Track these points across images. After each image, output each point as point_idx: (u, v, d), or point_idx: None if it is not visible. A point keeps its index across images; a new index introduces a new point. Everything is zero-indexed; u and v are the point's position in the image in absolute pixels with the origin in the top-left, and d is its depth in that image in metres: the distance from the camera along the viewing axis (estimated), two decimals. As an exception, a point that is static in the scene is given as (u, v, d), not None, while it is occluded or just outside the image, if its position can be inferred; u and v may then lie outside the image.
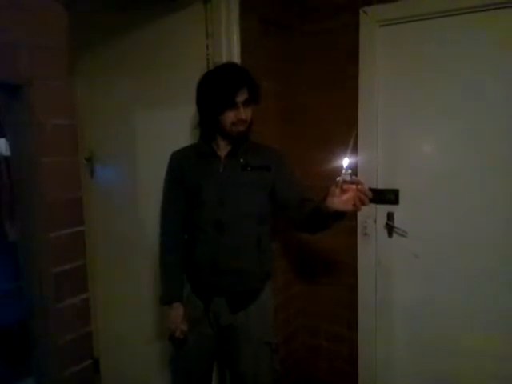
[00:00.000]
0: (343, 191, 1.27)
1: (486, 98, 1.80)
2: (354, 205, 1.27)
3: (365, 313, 2.12)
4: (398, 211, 2.02)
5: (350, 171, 1.24)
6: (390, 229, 2.05)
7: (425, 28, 1.88)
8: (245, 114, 1.44)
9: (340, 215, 1.34)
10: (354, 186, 1.26)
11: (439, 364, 1.99)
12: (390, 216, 2.03)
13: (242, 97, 1.43)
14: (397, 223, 2.02)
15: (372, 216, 2.05)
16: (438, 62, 1.88)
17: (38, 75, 1.03)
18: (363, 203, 1.27)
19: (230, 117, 1.44)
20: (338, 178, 1.26)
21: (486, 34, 1.77)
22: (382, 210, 2.04)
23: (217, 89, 1.44)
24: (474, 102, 1.82)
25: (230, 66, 1.53)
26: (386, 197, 2.00)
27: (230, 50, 1.81)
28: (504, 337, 1.85)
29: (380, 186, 2.01)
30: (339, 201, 1.28)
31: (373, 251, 2.08)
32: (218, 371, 1.83)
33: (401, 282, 2.06)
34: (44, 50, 1.07)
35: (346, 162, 1.24)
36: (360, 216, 2.04)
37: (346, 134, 1.98)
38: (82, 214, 1.22)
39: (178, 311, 1.57)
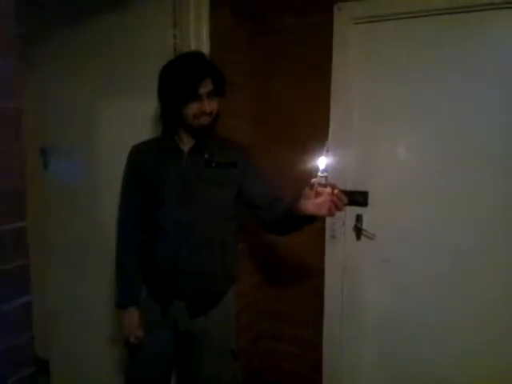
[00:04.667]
0: (317, 194, 1.21)
1: (460, 99, 1.79)
2: (329, 209, 1.21)
3: (330, 317, 2.07)
4: (367, 213, 1.98)
5: (325, 174, 1.18)
6: (359, 231, 2.01)
7: (400, 27, 1.85)
8: (209, 106, 1.36)
9: (311, 218, 1.29)
10: (328, 190, 1.19)
11: (406, 371, 1.97)
12: (359, 218, 1.99)
13: (205, 88, 1.34)
14: (365, 226, 1.99)
15: (341, 218, 2.00)
16: (413, 63, 1.85)
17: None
18: (338, 209, 1.21)
19: (192, 109, 1.35)
20: (313, 180, 1.20)
21: (460, 36, 1.76)
22: (351, 211, 1.99)
23: (179, 79, 1.35)
24: (448, 103, 1.81)
25: (194, 54, 1.45)
26: (356, 198, 1.96)
27: (199, 41, 1.73)
28: (476, 343, 1.83)
29: (350, 187, 1.96)
30: (313, 204, 1.22)
31: (340, 254, 2.04)
32: (176, 379, 1.74)
33: (368, 286, 2.02)
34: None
35: (322, 163, 1.17)
36: (328, 218, 1.99)
37: (321, 132, 1.95)
38: (25, 207, 1.09)
39: (132, 316, 1.48)
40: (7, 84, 1.02)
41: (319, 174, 1.18)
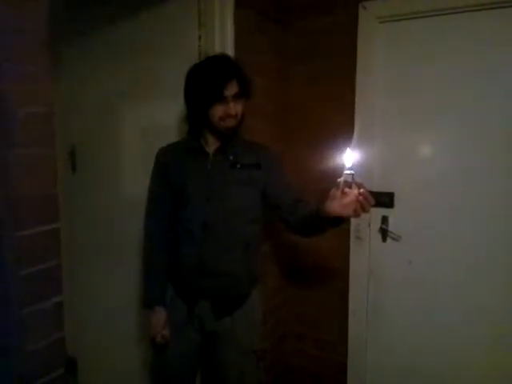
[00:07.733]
0: (344, 194, 1.18)
1: (486, 99, 1.74)
2: (354, 210, 1.18)
3: (355, 320, 2.05)
4: (393, 215, 1.95)
5: (352, 172, 1.14)
6: (384, 233, 1.98)
7: (425, 26, 1.82)
8: (234, 108, 1.36)
9: (339, 220, 1.26)
10: (355, 190, 1.16)
11: (432, 376, 1.93)
12: (385, 220, 1.96)
13: (231, 90, 1.35)
14: (391, 227, 1.96)
15: (366, 219, 1.97)
16: (439, 61, 1.81)
17: (7, 57, 0.95)
18: (364, 210, 1.18)
19: (218, 111, 1.36)
20: (339, 179, 1.17)
21: (487, 33, 1.72)
22: (377, 213, 1.96)
23: (205, 81, 1.35)
24: (474, 102, 1.77)
25: (219, 57, 1.45)
26: (381, 200, 1.93)
27: (224, 42, 1.74)
28: (503, 348, 1.79)
29: (375, 188, 1.93)
30: (339, 205, 1.19)
31: (366, 256, 2.01)
32: (201, 378, 1.75)
33: (394, 289, 1.99)
34: (17, 32, 0.98)
35: (348, 161, 1.13)
36: (353, 219, 1.95)
37: (344, 132, 1.93)
38: (57, 211, 1.13)
39: (159, 315, 1.49)
40: (41, 89, 1.05)
41: (345, 172, 1.15)
